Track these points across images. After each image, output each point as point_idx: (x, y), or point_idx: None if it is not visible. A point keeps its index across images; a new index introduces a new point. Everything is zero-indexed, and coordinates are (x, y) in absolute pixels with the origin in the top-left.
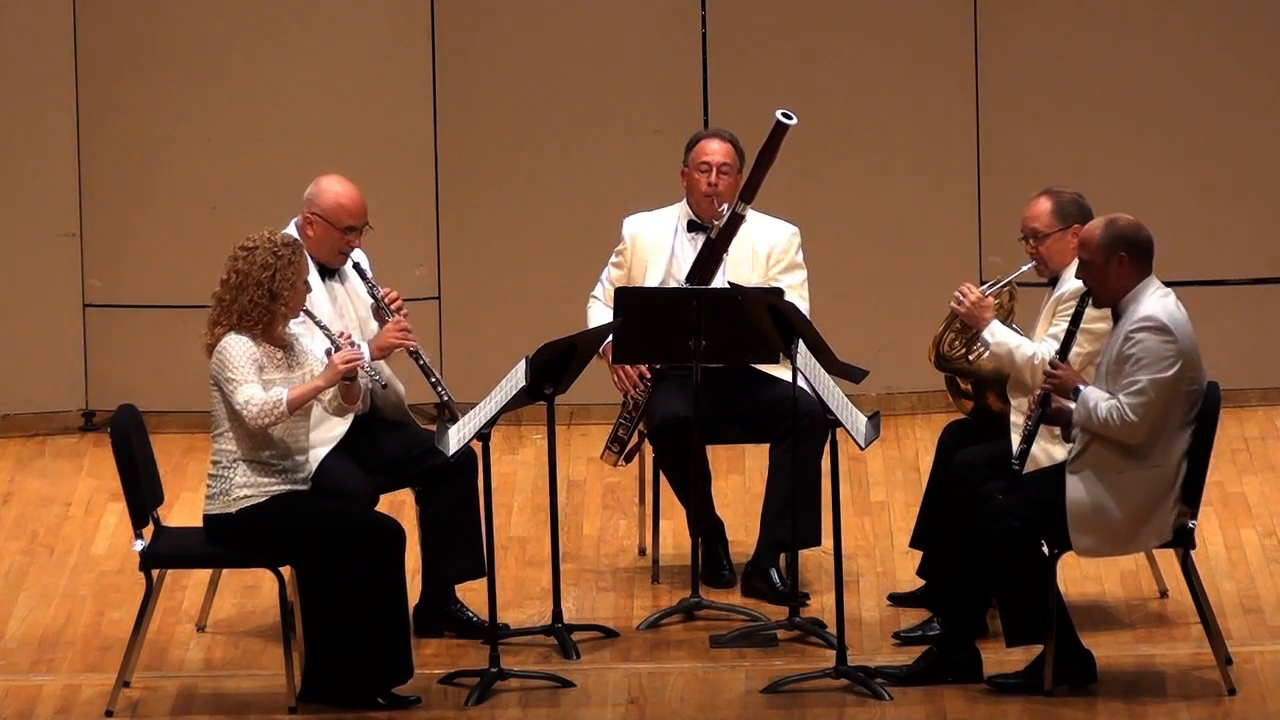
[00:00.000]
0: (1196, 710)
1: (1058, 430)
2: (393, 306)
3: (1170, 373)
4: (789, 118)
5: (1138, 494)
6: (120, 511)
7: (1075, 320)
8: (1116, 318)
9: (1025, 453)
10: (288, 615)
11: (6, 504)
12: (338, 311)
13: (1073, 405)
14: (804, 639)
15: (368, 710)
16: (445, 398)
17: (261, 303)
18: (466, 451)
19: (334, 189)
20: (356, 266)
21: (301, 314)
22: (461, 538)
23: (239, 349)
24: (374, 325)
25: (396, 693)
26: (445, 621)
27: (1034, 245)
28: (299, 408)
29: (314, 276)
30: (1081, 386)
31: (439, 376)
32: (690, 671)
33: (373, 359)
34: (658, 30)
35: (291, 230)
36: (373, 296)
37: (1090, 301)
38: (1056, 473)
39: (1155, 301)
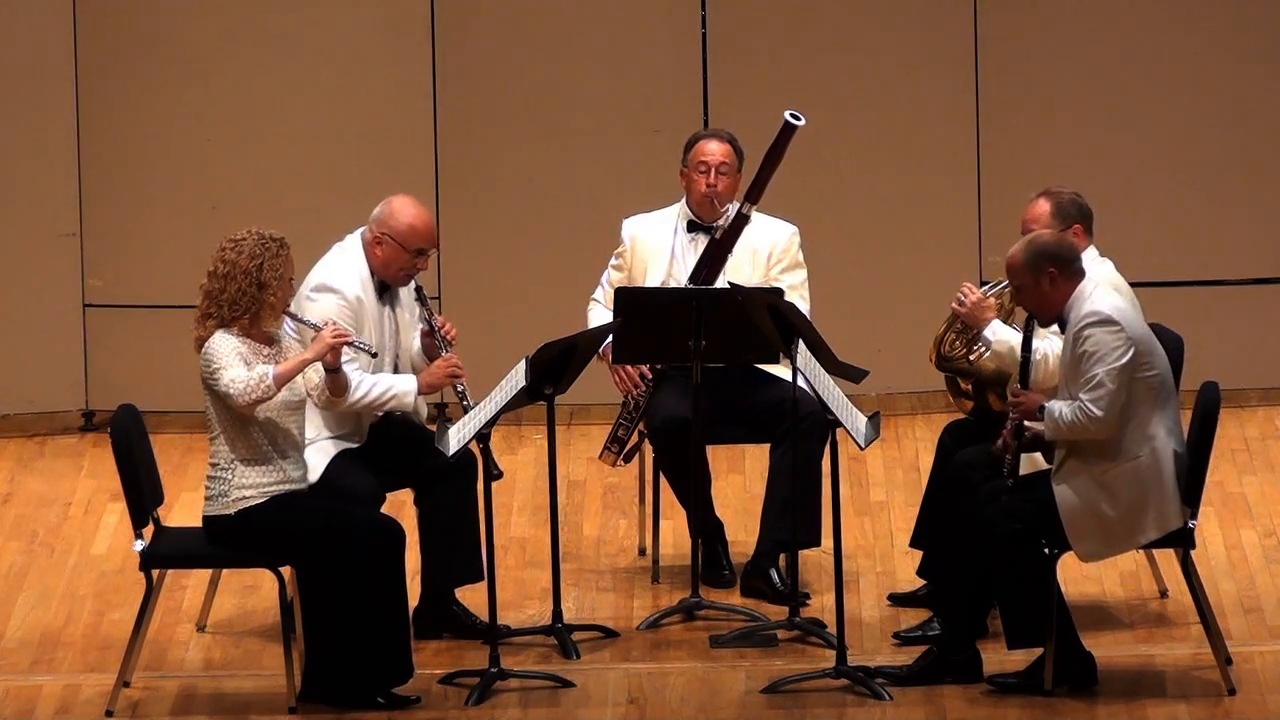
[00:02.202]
0: (1196, 710)
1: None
2: (448, 338)
3: (1123, 360)
4: (797, 118)
5: (1126, 489)
6: (120, 511)
7: (1026, 347)
8: (1063, 326)
9: (1013, 487)
10: (288, 615)
11: (6, 504)
12: (383, 333)
13: (1043, 427)
14: (804, 639)
15: (368, 710)
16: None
17: (250, 292)
18: (465, 451)
19: (409, 211)
20: (419, 289)
21: (285, 317)
22: (460, 542)
23: (224, 344)
24: (416, 346)
25: (396, 693)
26: (445, 624)
27: None
28: (286, 382)
29: (371, 294)
30: (1045, 404)
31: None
32: (690, 671)
33: (420, 393)
34: (658, 30)
35: (356, 243)
36: (428, 324)
37: (1036, 324)
38: None
39: (1096, 297)
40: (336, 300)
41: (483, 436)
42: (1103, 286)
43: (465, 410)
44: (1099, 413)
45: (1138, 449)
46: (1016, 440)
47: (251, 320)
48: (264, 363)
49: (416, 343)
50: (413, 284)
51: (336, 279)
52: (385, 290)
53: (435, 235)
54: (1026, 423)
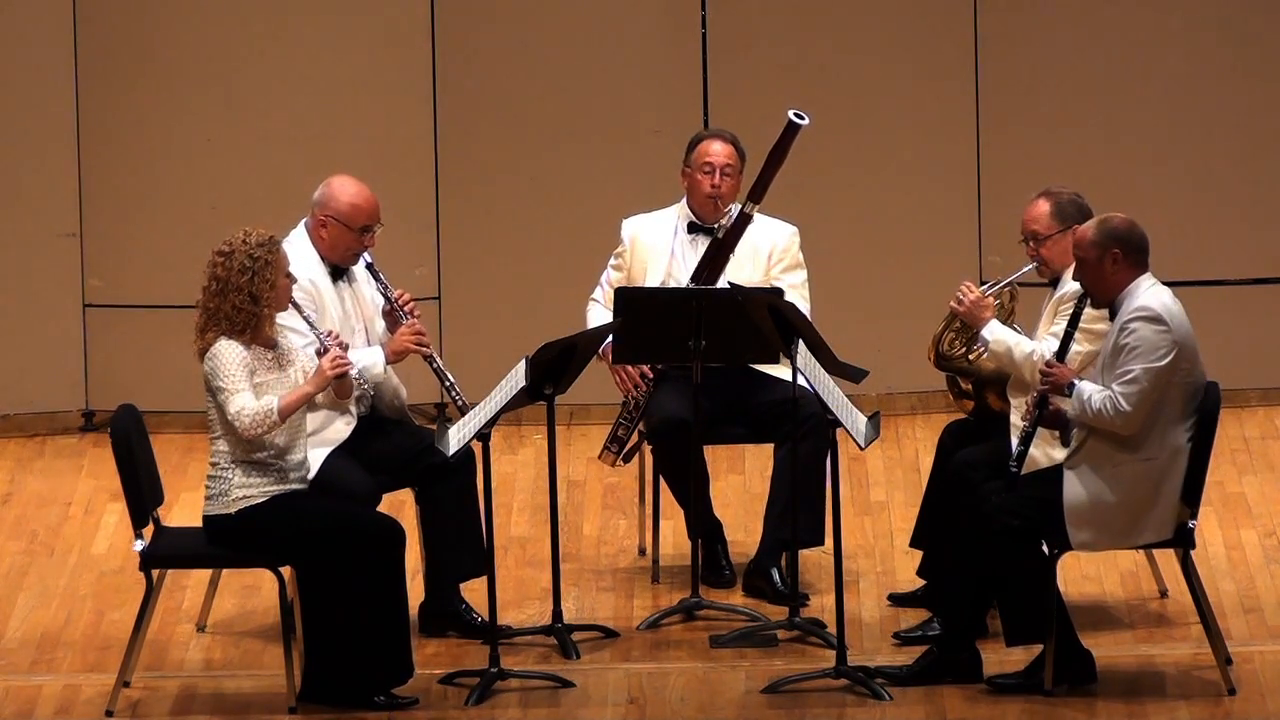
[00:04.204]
0: (1196, 710)
1: (1057, 434)
2: (406, 308)
3: (1164, 362)
4: (801, 118)
5: (1134, 487)
6: (120, 511)
7: (1073, 322)
8: (1113, 315)
9: (1023, 454)
10: (288, 615)
11: (6, 504)
12: (345, 313)
13: (1068, 404)
14: (804, 639)
15: (367, 710)
16: (460, 402)
17: (245, 307)
18: (465, 450)
19: (348, 190)
20: (370, 266)
21: (290, 308)
22: (463, 536)
23: (229, 355)
24: (381, 324)
25: (396, 693)
26: (450, 621)
27: (1034, 247)
28: (290, 414)
29: (324, 279)
30: (1076, 382)
31: (453, 380)
32: (690, 671)
33: (387, 363)
34: (658, 30)
35: (301, 231)
36: (386, 298)
37: (1088, 302)
38: (1056, 472)
39: (1150, 294)
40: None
41: (483, 436)
42: (1160, 286)
43: (437, 374)
44: (1127, 407)
45: (1156, 450)
46: (1038, 410)
47: (253, 332)
48: (268, 370)
49: (381, 322)
50: (364, 261)
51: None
52: (340, 274)
53: (378, 211)
54: (1051, 397)
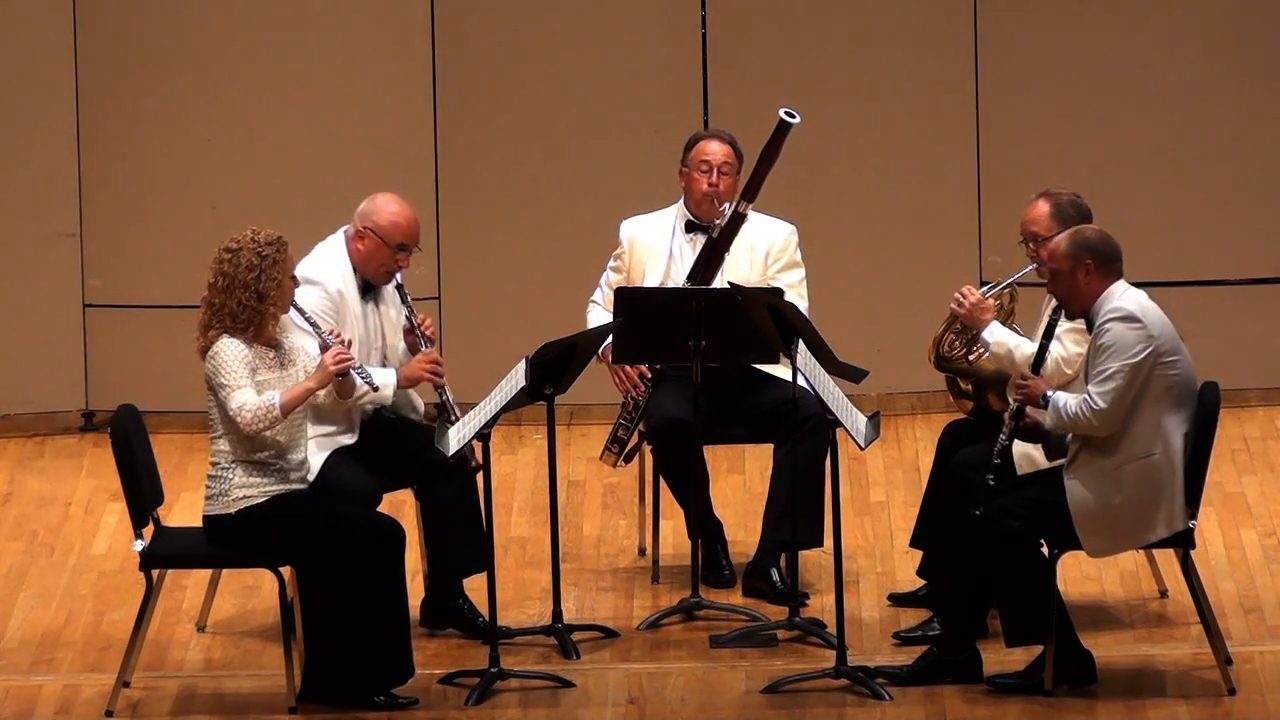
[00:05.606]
0: (1196, 710)
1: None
2: (428, 334)
3: (1139, 358)
4: (792, 116)
5: (1137, 485)
6: (120, 511)
7: (1048, 334)
8: (1090, 325)
9: (1000, 469)
10: (288, 615)
11: (6, 504)
12: (366, 329)
13: (1044, 416)
14: (804, 639)
15: (367, 710)
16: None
17: (250, 304)
18: (465, 448)
19: (391, 206)
20: (399, 287)
21: (291, 309)
22: (464, 531)
23: (231, 353)
24: (401, 347)
25: (396, 693)
26: (451, 618)
27: (1034, 248)
28: (292, 410)
29: (353, 291)
30: (1050, 394)
31: (459, 415)
32: (690, 671)
33: (399, 388)
34: (658, 30)
35: (339, 239)
36: (409, 321)
37: (1063, 314)
38: (1055, 474)
39: (1124, 297)
40: (318, 293)
41: (483, 436)
42: (1133, 290)
43: (443, 408)
44: (1102, 405)
45: (1152, 446)
46: (1014, 422)
47: (256, 330)
48: (269, 369)
49: (403, 343)
50: (395, 282)
51: (318, 272)
52: (370, 289)
53: (417, 233)
54: (1028, 409)
